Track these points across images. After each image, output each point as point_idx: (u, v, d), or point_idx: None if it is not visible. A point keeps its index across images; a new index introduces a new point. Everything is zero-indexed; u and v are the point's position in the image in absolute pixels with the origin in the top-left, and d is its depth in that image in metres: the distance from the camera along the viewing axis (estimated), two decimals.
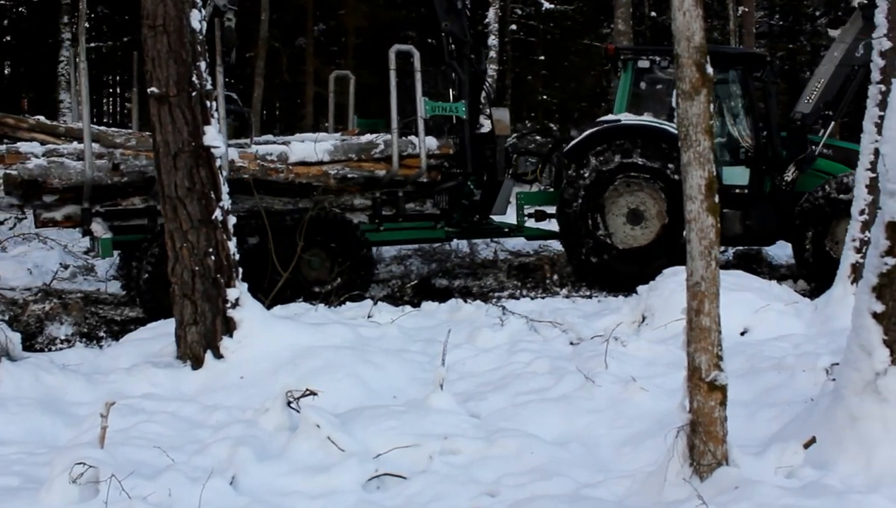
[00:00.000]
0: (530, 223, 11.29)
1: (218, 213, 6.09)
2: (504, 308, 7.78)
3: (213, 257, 6.05)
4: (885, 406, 3.78)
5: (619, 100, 10.63)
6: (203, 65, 6.08)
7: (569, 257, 10.61)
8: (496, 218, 11.14)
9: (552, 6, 26.41)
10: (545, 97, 27.06)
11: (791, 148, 10.40)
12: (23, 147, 8.23)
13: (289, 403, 4.84)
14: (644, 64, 10.56)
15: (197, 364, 6.00)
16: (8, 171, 7.96)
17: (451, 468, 4.28)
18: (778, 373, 5.54)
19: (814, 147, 10.34)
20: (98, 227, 8.37)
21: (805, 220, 9.92)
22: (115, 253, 9.06)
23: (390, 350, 6.35)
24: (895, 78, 3.89)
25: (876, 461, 3.74)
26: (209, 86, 6.15)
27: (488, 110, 11.22)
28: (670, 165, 9.88)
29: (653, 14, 29.38)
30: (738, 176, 10.39)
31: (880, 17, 7.06)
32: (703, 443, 3.63)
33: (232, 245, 6.20)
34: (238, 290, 6.19)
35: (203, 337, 6.04)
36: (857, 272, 6.80)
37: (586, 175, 10.11)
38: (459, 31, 10.56)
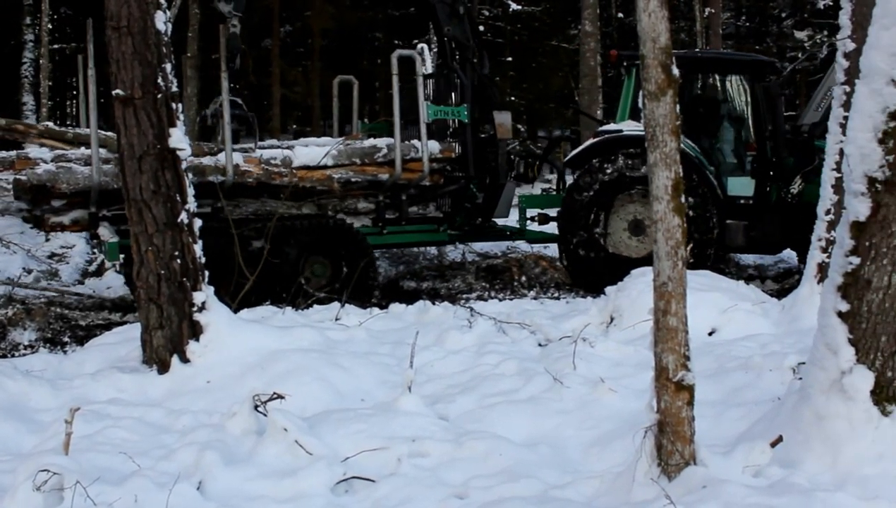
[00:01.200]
0: (532, 226, 11.28)
1: (184, 216, 6.04)
2: (472, 309, 7.78)
3: (178, 260, 6.00)
4: (850, 404, 3.83)
5: (621, 107, 10.52)
6: (168, 67, 6.03)
7: (559, 245, 10.48)
8: (498, 221, 11.15)
9: (519, 7, 26.53)
10: (513, 98, 27.15)
11: (798, 158, 10.15)
12: (32, 152, 8.38)
13: (256, 407, 4.81)
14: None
15: (163, 368, 5.94)
16: (18, 176, 8.11)
17: (420, 470, 4.27)
18: (745, 373, 5.59)
19: (821, 157, 10.25)
20: (105, 231, 8.49)
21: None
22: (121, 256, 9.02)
23: (358, 352, 6.33)
24: (858, 79, 3.93)
25: (842, 459, 3.78)
26: (175, 88, 6.09)
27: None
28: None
29: (620, 15, 29.63)
30: (743, 186, 10.24)
31: (844, 19, 7.17)
32: (671, 443, 3.65)
33: (198, 248, 6.15)
34: (204, 294, 6.13)
35: (169, 342, 5.98)
36: (823, 271, 6.87)
37: (589, 185, 10.01)
38: (462, 35, 10.57)
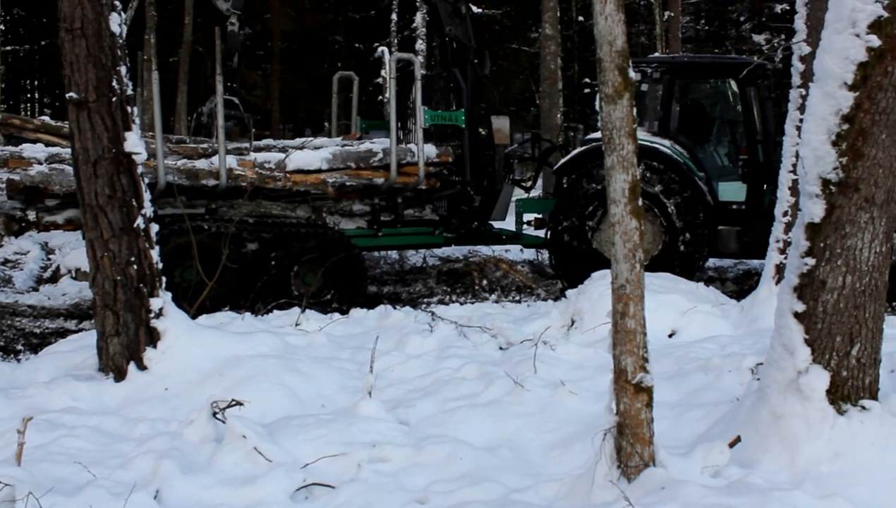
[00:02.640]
0: (529, 230, 11.22)
1: (140, 221, 5.95)
2: (433, 314, 7.77)
3: (135, 266, 5.91)
4: (807, 404, 3.87)
5: None
6: (123, 69, 5.94)
7: (549, 221, 10.34)
8: (495, 224, 11.12)
9: (480, 10, 26.52)
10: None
11: None
12: (26, 151, 8.43)
13: (214, 414, 4.76)
14: (635, 76, 10.37)
15: (120, 376, 5.85)
16: (11, 176, 8.09)
17: (380, 476, 4.25)
18: (705, 374, 5.64)
19: None
20: None
21: None
22: None
23: (318, 358, 6.28)
24: (812, 83, 3.98)
25: (799, 458, 3.83)
26: (130, 92, 6.01)
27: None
28: (658, 186, 9.61)
29: (580, 19, 29.77)
30: (734, 191, 10.09)
31: (800, 23, 7.27)
32: (631, 445, 3.66)
33: (155, 253, 6.07)
34: (162, 300, 6.05)
35: (126, 349, 5.89)
36: (781, 273, 6.95)
37: (600, 178, 9.82)
38: (464, 35, 10.54)
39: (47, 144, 8.72)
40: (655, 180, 9.63)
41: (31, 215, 8.99)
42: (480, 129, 10.61)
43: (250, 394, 5.17)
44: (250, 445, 4.38)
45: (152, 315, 5.96)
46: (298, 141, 10.29)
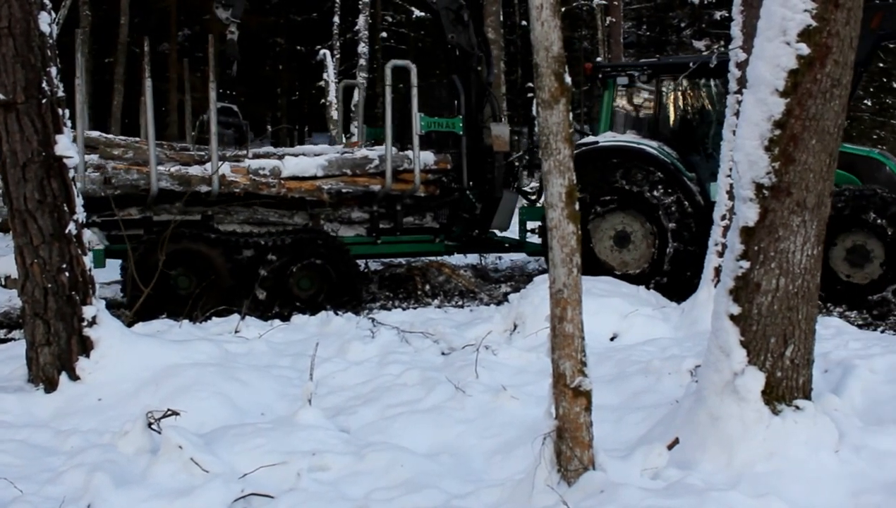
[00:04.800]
0: (532, 238, 11.18)
1: (72, 227, 5.80)
2: (375, 319, 7.73)
3: (67, 273, 5.76)
4: (743, 405, 3.92)
5: (602, 119, 10.45)
6: (54, 70, 5.78)
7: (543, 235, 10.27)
8: (498, 232, 11.06)
9: (423, 14, 26.53)
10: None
11: None
12: None
13: (150, 425, 4.66)
14: (623, 80, 10.33)
15: (50, 387, 5.69)
16: None
17: (320, 485, 4.19)
18: (645, 377, 5.69)
19: None
20: (93, 237, 8.41)
21: None
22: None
23: (258, 366, 6.20)
24: (746, 89, 4.04)
25: (736, 458, 3.87)
26: (61, 93, 5.86)
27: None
28: (645, 187, 9.61)
29: (524, 23, 29.99)
30: None
31: (736, 30, 7.41)
32: (570, 449, 3.67)
33: (87, 260, 5.92)
34: (95, 308, 5.91)
35: (57, 359, 5.74)
36: (719, 275, 7.04)
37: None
38: (466, 42, 10.48)
39: None
40: (642, 181, 9.67)
41: None
42: (484, 137, 10.59)
43: (187, 404, 5.07)
44: (187, 456, 4.29)
45: (85, 323, 5.82)
46: (298, 149, 10.24)
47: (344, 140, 15.72)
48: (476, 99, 10.58)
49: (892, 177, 9.43)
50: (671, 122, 10.51)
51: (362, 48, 19.20)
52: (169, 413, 4.74)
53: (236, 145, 9.71)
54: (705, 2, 26.63)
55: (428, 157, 9.85)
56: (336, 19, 21.94)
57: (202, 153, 9.16)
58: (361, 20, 19.66)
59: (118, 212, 8.58)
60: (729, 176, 7.23)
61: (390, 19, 28.57)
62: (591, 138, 10.34)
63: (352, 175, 9.53)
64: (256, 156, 9.49)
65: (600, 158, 9.88)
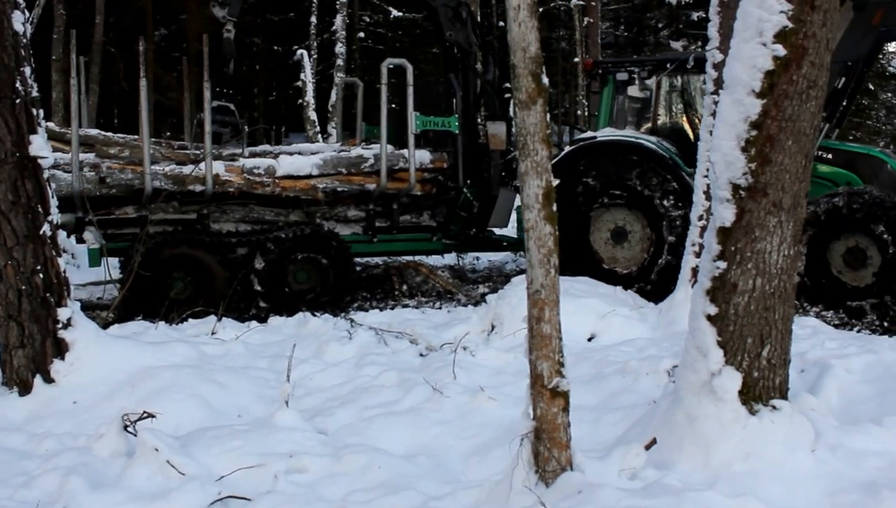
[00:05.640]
0: None
1: (46, 228, 5.74)
2: (352, 320, 7.72)
3: (41, 275, 5.69)
4: (720, 405, 3.94)
5: (601, 115, 10.43)
6: (28, 70, 5.72)
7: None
8: (497, 230, 11.01)
9: (400, 14, 26.54)
10: (394, 106, 27.17)
11: None
12: None
13: (125, 427, 4.61)
14: (623, 76, 10.28)
15: (25, 390, 5.62)
16: None
17: (297, 487, 4.17)
18: (623, 377, 5.71)
19: None
20: (90, 236, 8.56)
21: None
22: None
23: (235, 367, 6.16)
24: (723, 89, 4.06)
25: (713, 458, 3.89)
26: (35, 94, 5.79)
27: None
28: (658, 192, 9.49)
29: (501, 24, 29.98)
30: None
31: (713, 31, 7.44)
32: (548, 450, 3.67)
33: (62, 261, 5.86)
34: (70, 310, 5.85)
35: (31, 361, 5.67)
36: (696, 276, 7.07)
37: (566, 194, 9.74)
38: (465, 41, 10.44)
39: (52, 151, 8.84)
40: (656, 187, 9.55)
41: None
42: (480, 135, 10.56)
43: (163, 406, 5.02)
44: (163, 458, 4.26)
45: (60, 325, 5.76)
46: (294, 147, 10.23)
47: (321, 140, 15.68)
48: (473, 97, 10.56)
49: (893, 176, 9.35)
50: (670, 118, 10.53)
51: (340, 48, 19.11)
52: (145, 415, 4.70)
53: (236, 139, 9.73)
54: (683, 2, 26.78)
55: (424, 156, 9.88)
56: (313, 19, 21.85)
57: (198, 151, 9.16)
58: (339, 20, 19.59)
59: (114, 211, 8.73)
60: (706, 176, 7.26)
61: (368, 19, 28.51)
62: (589, 133, 10.34)
63: (347, 174, 9.57)
64: (253, 155, 9.52)
65: (598, 154, 9.84)
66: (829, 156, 9.69)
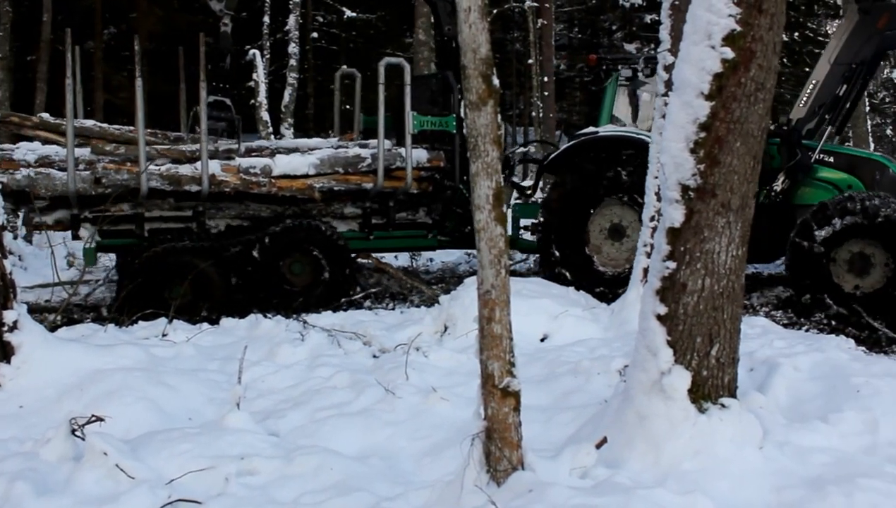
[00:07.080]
0: (525, 235, 11.10)
1: None
2: (305, 322, 7.67)
3: None
4: (670, 403, 3.98)
5: (603, 111, 10.40)
6: None
7: (538, 229, 10.27)
8: None
9: (354, 14, 26.41)
10: (348, 107, 27.08)
11: (782, 155, 9.60)
12: (17, 153, 8.71)
13: (73, 431, 4.53)
14: (626, 73, 10.29)
15: None
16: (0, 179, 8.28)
17: (249, 489, 4.14)
18: (575, 377, 5.74)
19: (809, 153, 9.48)
20: (86, 233, 8.62)
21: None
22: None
23: (186, 370, 6.09)
24: (672, 91, 4.11)
25: (663, 457, 3.93)
26: None
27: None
28: (637, 177, 9.27)
29: None
30: None
31: (664, 34, 7.52)
32: (499, 449, 3.67)
33: (8, 263, 5.75)
34: (16, 312, 5.74)
35: None
36: (647, 276, 7.14)
37: (565, 189, 9.82)
38: None
39: (45, 142, 8.99)
40: (640, 173, 9.28)
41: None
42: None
43: (112, 410, 4.96)
44: (112, 462, 4.19)
45: (5, 328, 5.65)
46: (292, 143, 10.14)
47: (273, 139, 15.55)
48: None
49: (894, 180, 9.31)
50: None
51: (293, 48, 18.98)
52: (93, 419, 4.63)
53: (234, 134, 9.73)
54: (636, 5, 27.05)
55: (421, 155, 9.88)
56: (266, 19, 21.66)
57: (194, 148, 9.07)
58: (292, 20, 19.45)
59: (110, 207, 8.74)
60: (657, 177, 7.34)
61: (321, 19, 28.33)
62: (591, 129, 10.30)
63: (344, 173, 9.56)
64: (249, 151, 9.48)
65: (599, 149, 9.83)
66: (831, 159, 9.64)
